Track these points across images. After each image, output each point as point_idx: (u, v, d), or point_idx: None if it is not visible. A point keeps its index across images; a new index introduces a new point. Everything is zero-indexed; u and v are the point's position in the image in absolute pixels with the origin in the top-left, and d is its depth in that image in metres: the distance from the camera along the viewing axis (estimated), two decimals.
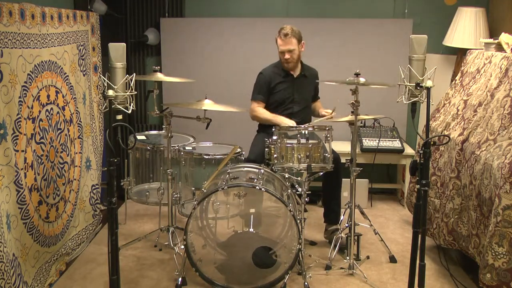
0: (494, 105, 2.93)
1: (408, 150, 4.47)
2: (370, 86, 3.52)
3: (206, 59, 4.80)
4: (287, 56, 3.69)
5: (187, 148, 3.67)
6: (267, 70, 3.83)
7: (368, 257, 3.47)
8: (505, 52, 3.23)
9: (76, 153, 3.66)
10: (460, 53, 4.41)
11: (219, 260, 3.15)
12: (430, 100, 2.42)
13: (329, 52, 4.68)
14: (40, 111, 3.09)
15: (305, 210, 3.22)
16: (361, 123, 4.63)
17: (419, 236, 2.42)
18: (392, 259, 3.45)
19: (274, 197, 2.97)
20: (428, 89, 2.45)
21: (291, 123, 3.59)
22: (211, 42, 4.78)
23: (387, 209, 4.56)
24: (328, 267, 3.27)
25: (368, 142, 4.45)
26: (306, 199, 3.17)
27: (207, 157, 3.55)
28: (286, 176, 3.29)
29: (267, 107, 3.81)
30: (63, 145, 3.41)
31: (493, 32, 4.25)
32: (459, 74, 3.67)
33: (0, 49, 2.60)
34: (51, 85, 3.25)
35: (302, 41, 3.74)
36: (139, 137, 3.97)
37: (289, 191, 3.21)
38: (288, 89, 3.79)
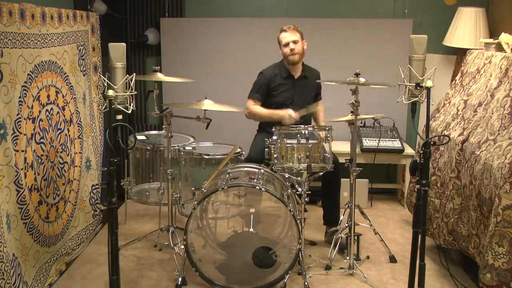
0: (494, 105, 2.93)
1: (408, 150, 4.47)
2: (370, 86, 3.52)
3: (206, 59, 4.80)
4: (292, 46, 3.67)
5: (187, 148, 3.67)
6: (268, 70, 3.82)
7: (368, 257, 3.47)
8: (505, 52, 3.23)
9: (76, 153, 3.66)
10: (460, 53, 4.41)
11: (219, 260, 3.15)
12: (430, 100, 2.42)
13: (329, 52, 4.68)
14: (40, 111, 3.09)
15: (305, 210, 3.21)
16: (361, 123, 4.62)
17: (419, 236, 2.42)
18: (392, 259, 3.46)
19: (274, 197, 2.97)
20: (428, 89, 2.45)
21: (288, 113, 3.55)
22: (211, 42, 4.78)
23: (387, 209, 4.56)
24: (328, 267, 3.27)
25: (368, 142, 4.45)
26: (306, 199, 3.17)
27: (207, 157, 3.54)
28: (286, 176, 3.29)
29: (266, 108, 3.81)
30: (63, 145, 3.41)
31: (493, 32, 4.25)
32: (459, 74, 3.67)
33: (0, 49, 2.60)
34: (51, 85, 3.25)
35: (304, 39, 3.74)
36: (139, 137, 3.97)
37: (289, 191, 3.21)
38: (289, 90, 3.78)
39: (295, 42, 3.67)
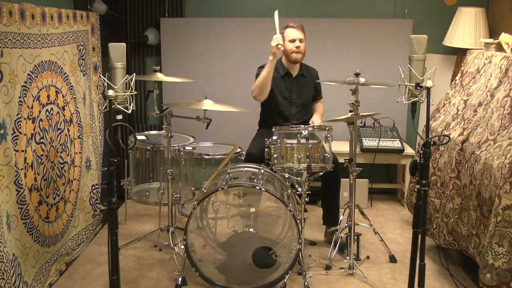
0: (494, 105, 2.94)
1: (408, 150, 4.47)
2: (370, 86, 3.52)
3: (206, 59, 4.80)
4: (298, 43, 3.66)
5: (187, 148, 3.67)
6: None
7: (368, 257, 3.47)
8: (505, 52, 3.23)
9: (76, 153, 3.66)
10: (460, 53, 4.41)
11: (219, 260, 3.15)
12: (430, 100, 2.43)
13: (329, 52, 4.68)
14: (40, 111, 3.09)
15: (305, 210, 3.21)
16: (361, 123, 4.63)
17: (419, 236, 2.42)
18: (392, 259, 3.46)
19: (274, 197, 2.97)
20: (428, 89, 2.45)
21: (275, 40, 3.50)
22: (211, 42, 4.78)
23: (387, 209, 4.56)
24: (328, 267, 3.27)
25: (368, 142, 4.45)
26: (306, 199, 3.17)
27: (207, 157, 3.55)
28: (286, 176, 3.29)
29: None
30: (63, 145, 3.41)
31: (493, 32, 4.25)
32: (459, 74, 3.67)
33: (0, 49, 2.60)
34: (51, 85, 3.25)
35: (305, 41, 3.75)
36: (139, 137, 3.97)
37: (289, 191, 3.21)
38: (287, 89, 3.79)
39: (301, 40, 3.68)
